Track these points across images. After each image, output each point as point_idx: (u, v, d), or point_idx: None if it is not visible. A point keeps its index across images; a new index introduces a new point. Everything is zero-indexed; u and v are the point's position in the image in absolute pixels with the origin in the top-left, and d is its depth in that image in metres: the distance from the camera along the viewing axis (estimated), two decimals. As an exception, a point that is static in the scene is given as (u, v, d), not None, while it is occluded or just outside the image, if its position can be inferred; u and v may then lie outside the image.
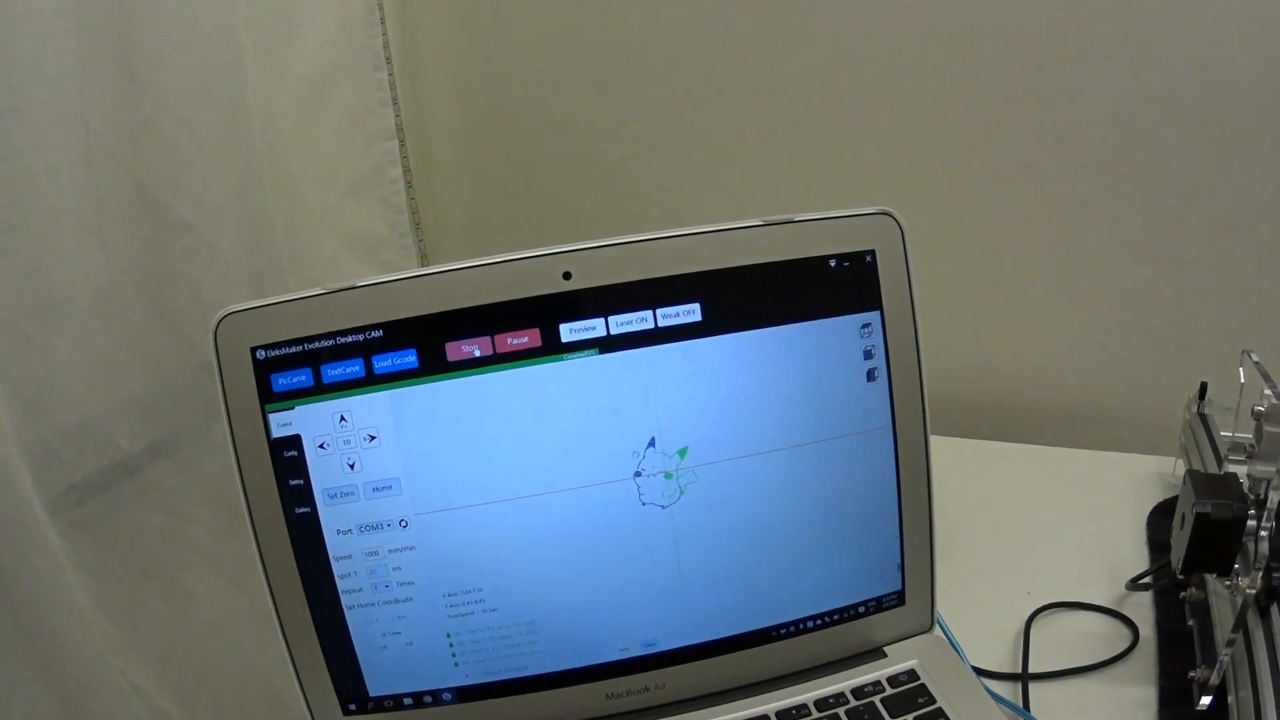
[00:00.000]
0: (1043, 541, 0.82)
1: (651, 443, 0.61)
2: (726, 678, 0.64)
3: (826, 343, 0.62)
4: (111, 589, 0.71)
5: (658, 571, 0.62)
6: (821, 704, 0.63)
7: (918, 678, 0.64)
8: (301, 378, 0.59)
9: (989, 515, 0.86)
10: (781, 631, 0.64)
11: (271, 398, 0.59)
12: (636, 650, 0.63)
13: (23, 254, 0.67)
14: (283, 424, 0.59)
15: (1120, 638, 0.72)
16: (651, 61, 0.98)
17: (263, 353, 0.58)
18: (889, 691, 0.64)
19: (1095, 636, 0.72)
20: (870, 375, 0.63)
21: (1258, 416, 0.70)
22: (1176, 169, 0.90)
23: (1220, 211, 0.90)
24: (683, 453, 0.61)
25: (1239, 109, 0.87)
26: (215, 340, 0.58)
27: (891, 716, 0.62)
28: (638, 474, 0.61)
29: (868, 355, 0.62)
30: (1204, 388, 0.83)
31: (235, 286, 0.74)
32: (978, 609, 0.74)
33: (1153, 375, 0.96)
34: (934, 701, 0.63)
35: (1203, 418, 0.82)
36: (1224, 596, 0.69)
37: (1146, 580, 0.76)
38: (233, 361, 0.58)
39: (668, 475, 0.61)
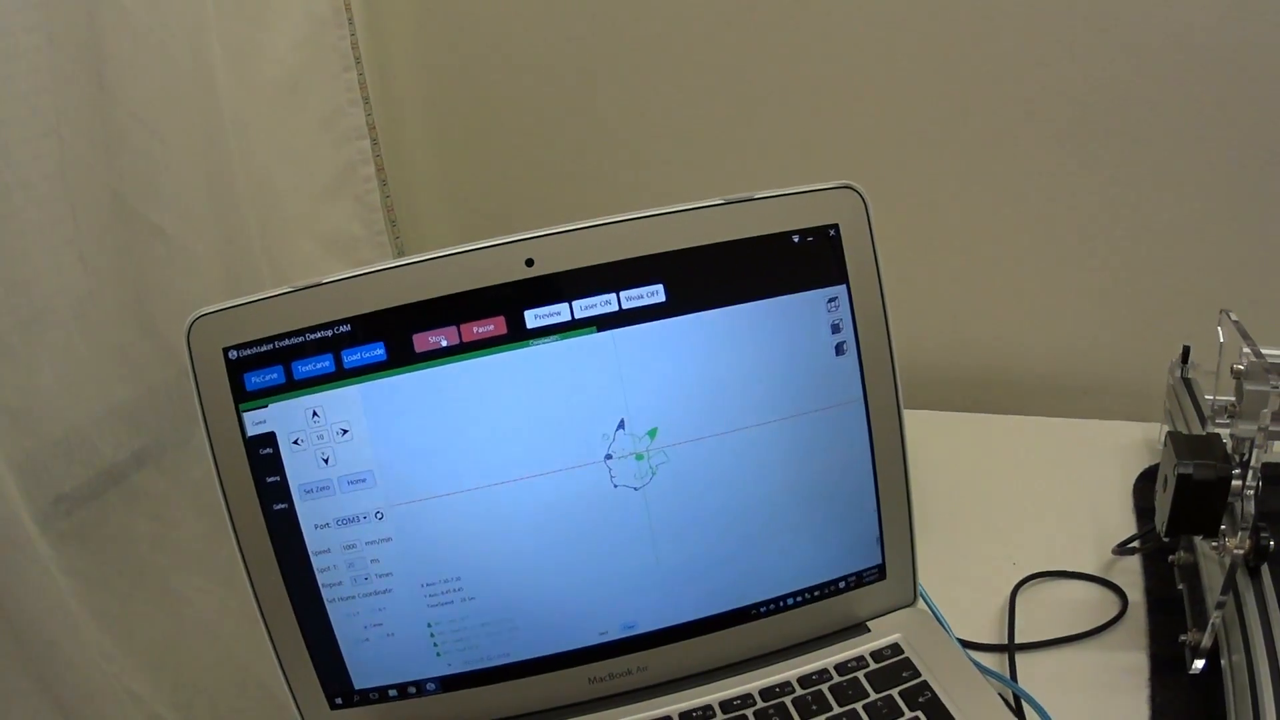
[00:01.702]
0: (1028, 511, 0.82)
1: (621, 425, 0.61)
2: (709, 658, 0.64)
3: (793, 318, 0.62)
4: (104, 597, 0.72)
5: (633, 553, 0.62)
6: (805, 681, 0.63)
7: (901, 651, 0.64)
8: (273, 375, 0.59)
9: (973, 487, 0.85)
10: (762, 609, 0.64)
11: (245, 396, 0.59)
12: (616, 633, 0.63)
13: (1, 269, 0.68)
14: (257, 422, 0.59)
15: (1109, 605, 0.71)
16: (619, 50, 0.98)
17: (234, 353, 0.59)
18: (873, 666, 0.63)
19: (1083, 605, 0.71)
20: (839, 349, 0.62)
21: (1237, 375, 0.70)
22: (1150, 134, 0.90)
23: (1196, 174, 0.89)
24: (652, 434, 0.61)
25: (1211, 73, 0.86)
26: (188, 343, 0.59)
27: (876, 691, 0.62)
28: (608, 456, 0.61)
29: (835, 329, 0.62)
30: (1186, 351, 0.83)
31: (212, 291, 0.75)
32: (963, 581, 0.74)
33: (1135, 341, 0.95)
34: (919, 675, 0.62)
35: (1186, 382, 0.81)
36: (1213, 559, 0.69)
37: (1134, 546, 0.75)
38: (206, 363, 0.59)
39: (638, 457, 0.61)
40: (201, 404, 0.59)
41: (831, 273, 0.62)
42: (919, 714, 0.61)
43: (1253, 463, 0.66)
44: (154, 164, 0.73)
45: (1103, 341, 0.97)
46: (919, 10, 0.91)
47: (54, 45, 0.70)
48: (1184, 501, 0.65)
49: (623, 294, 0.60)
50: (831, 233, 0.62)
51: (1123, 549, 0.75)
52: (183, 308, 0.67)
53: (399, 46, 1.00)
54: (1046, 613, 0.71)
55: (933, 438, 0.85)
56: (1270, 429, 0.66)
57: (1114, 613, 0.70)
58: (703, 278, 0.60)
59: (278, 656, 0.62)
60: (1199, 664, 0.66)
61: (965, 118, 0.93)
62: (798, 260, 0.62)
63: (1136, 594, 0.72)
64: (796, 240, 0.62)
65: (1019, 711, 0.64)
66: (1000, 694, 0.63)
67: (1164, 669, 0.68)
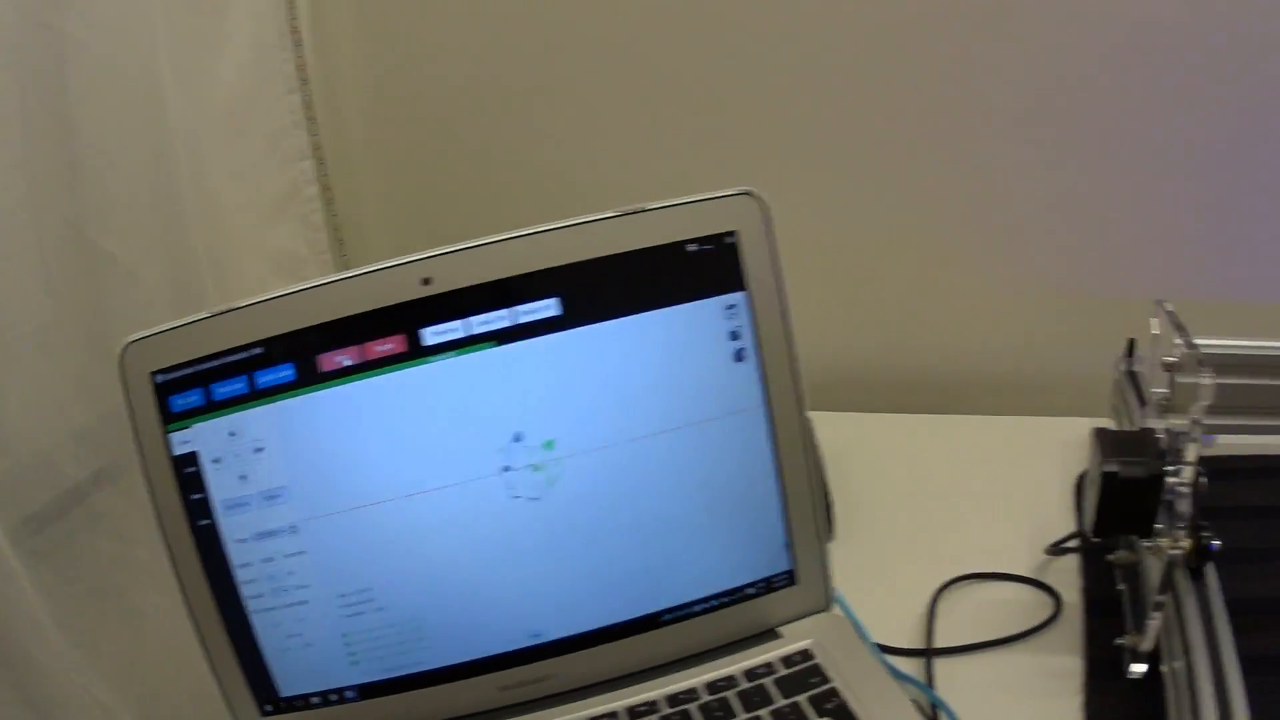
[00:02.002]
0: (965, 513, 0.80)
1: (518, 437, 0.62)
2: (616, 665, 0.64)
3: (690, 327, 0.62)
4: (72, 613, 0.75)
5: (535, 563, 0.63)
6: (713, 687, 0.63)
7: (811, 657, 0.63)
8: (194, 398, 0.62)
9: (909, 489, 0.84)
10: (668, 616, 0.64)
11: (171, 418, 0.62)
12: (522, 641, 0.64)
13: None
14: (182, 442, 0.62)
15: (1045, 608, 0.70)
16: (559, 69, 0.99)
17: (161, 376, 0.62)
18: (782, 672, 0.63)
19: (1017, 607, 0.70)
20: (738, 356, 0.62)
21: (1169, 368, 0.67)
22: (1087, 126, 0.88)
23: (1136, 162, 0.87)
24: (549, 445, 0.62)
25: (1146, 62, 0.84)
26: (122, 368, 0.62)
27: (784, 697, 0.62)
28: (506, 469, 0.62)
29: (734, 336, 0.62)
30: (1131, 345, 0.80)
31: (162, 316, 0.77)
32: (891, 585, 0.73)
33: (1081, 336, 0.92)
34: (827, 681, 0.62)
35: (1131, 376, 0.78)
36: (1155, 557, 0.67)
37: (1068, 546, 0.73)
38: (137, 386, 0.62)
39: (536, 468, 0.62)
40: (135, 426, 0.62)
41: (729, 280, 0.62)
42: (826, 720, 0.60)
43: (1186, 458, 0.64)
44: (107, 192, 0.76)
45: (1048, 337, 0.95)
46: (825, 7, 0.90)
47: (22, 78, 0.73)
48: (1111, 501, 0.64)
49: (518, 309, 0.61)
50: (728, 240, 0.62)
51: (1056, 549, 0.73)
52: (134, 332, 0.70)
53: (346, 68, 1.02)
54: (978, 616, 0.70)
55: (870, 440, 0.85)
56: (1205, 422, 0.64)
57: (1047, 615, 0.69)
58: (597, 290, 0.61)
59: (212, 666, 0.64)
60: (1138, 668, 0.64)
61: (893, 111, 0.92)
62: (694, 268, 0.62)
63: (1075, 595, 0.70)
64: (694, 249, 0.62)
65: (935, 718, 0.63)
66: (917, 699, 0.62)
67: (1102, 673, 0.66)
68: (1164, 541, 0.63)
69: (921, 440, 0.90)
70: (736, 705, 0.62)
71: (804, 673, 0.63)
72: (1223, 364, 0.65)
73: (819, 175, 0.96)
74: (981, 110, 0.90)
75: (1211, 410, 0.63)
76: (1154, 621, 0.63)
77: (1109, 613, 0.68)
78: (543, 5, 0.97)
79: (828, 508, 0.75)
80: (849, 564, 0.66)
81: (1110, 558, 0.70)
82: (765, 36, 0.94)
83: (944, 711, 0.62)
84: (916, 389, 1.00)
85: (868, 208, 0.96)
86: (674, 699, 0.63)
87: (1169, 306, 0.67)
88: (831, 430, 0.78)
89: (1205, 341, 0.65)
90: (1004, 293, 0.96)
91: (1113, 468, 0.63)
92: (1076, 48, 0.86)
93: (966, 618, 0.70)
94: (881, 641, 0.67)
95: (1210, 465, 0.75)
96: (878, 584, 0.71)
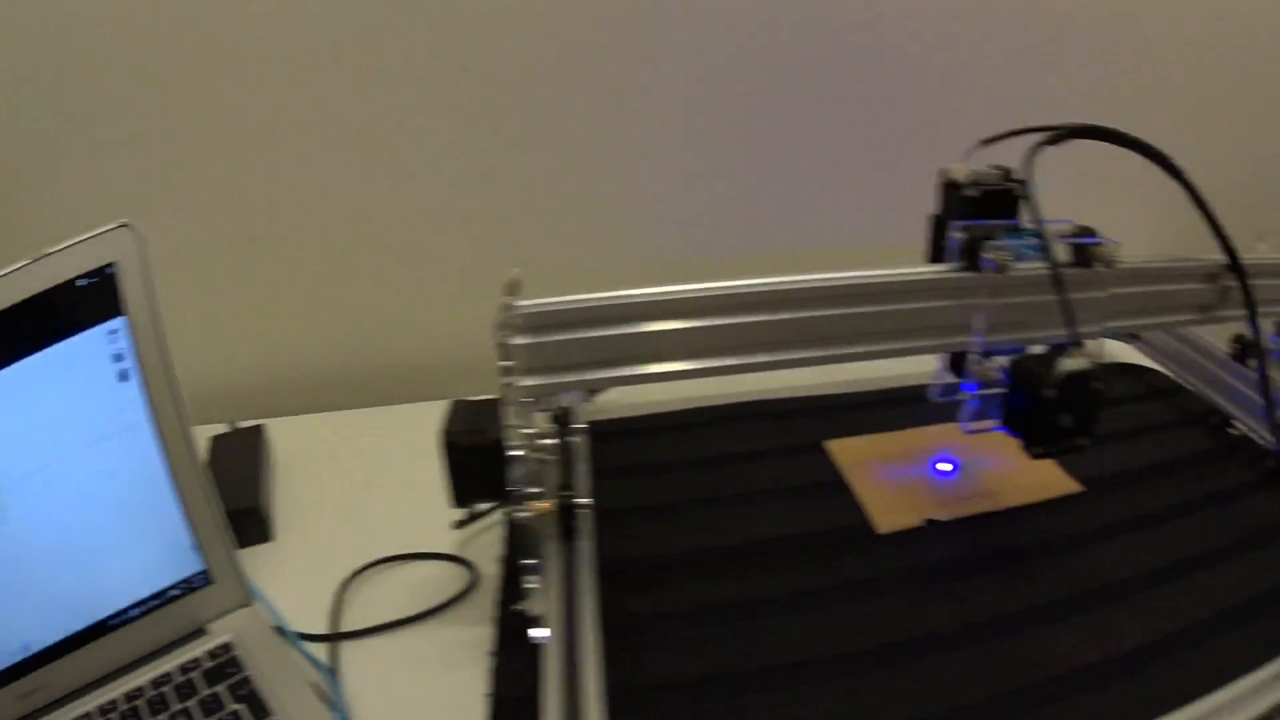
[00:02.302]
0: (403, 499, 0.80)
1: (-33, 476, 0.70)
2: (90, 670, 0.71)
3: (82, 355, 0.68)
4: None
5: (8, 583, 0.71)
6: (156, 682, 0.69)
7: (230, 650, 0.67)
8: None
9: (354, 483, 0.84)
10: (114, 621, 0.70)
11: None
12: (20, 654, 0.72)
13: None
14: None
15: (465, 582, 0.68)
16: (104, 126, 0.99)
17: None
18: (207, 665, 0.68)
19: (440, 584, 0.70)
20: (122, 376, 0.68)
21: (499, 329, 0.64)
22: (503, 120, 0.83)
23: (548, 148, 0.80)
24: (-6, 477, 0.70)
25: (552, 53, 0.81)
26: None
27: (209, 687, 0.67)
28: (-34, 503, 0.70)
29: (118, 358, 0.68)
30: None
31: None
32: (323, 577, 0.73)
33: None
34: (242, 670, 0.66)
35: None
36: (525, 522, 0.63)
37: (464, 519, 0.71)
38: None
39: (-16, 500, 0.70)
40: None
41: (110, 307, 0.68)
42: (243, 706, 0.65)
43: (510, 422, 0.61)
44: None
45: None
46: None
47: None
48: (456, 468, 0.62)
49: (-46, 366, 0.70)
50: (108, 270, 0.67)
51: (461, 524, 0.70)
52: None
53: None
54: (401, 596, 0.70)
55: (323, 440, 0.84)
56: (520, 383, 0.61)
57: (460, 588, 0.67)
58: (10, 335, 0.69)
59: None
60: (535, 633, 0.63)
61: (309, 114, 0.92)
62: (84, 301, 0.68)
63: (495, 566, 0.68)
64: (84, 283, 0.68)
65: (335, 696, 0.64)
66: (320, 683, 0.64)
67: (511, 641, 0.65)
68: (508, 506, 0.60)
69: (371, 433, 0.89)
70: (172, 698, 0.67)
71: (224, 665, 0.67)
72: (558, 321, 0.62)
73: (253, 190, 0.96)
74: (391, 109, 0.90)
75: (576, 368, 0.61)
76: (530, 586, 0.61)
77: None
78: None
79: (260, 511, 0.77)
80: (289, 560, 0.68)
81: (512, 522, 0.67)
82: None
83: (333, 692, 0.64)
84: (368, 384, 0.97)
85: (299, 217, 0.96)
86: (130, 695, 0.69)
87: (514, 273, 0.63)
88: (285, 435, 0.80)
89: (536, 301, 0.62)
90: (436, 287, 0.91)
91: (451, 436, 0.61)
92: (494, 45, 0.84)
93: (390, 599, 0.70)
94: (306, 630, 0.69)
95: (616, 426, 0.70)
96: (311, 576, 0.72)
